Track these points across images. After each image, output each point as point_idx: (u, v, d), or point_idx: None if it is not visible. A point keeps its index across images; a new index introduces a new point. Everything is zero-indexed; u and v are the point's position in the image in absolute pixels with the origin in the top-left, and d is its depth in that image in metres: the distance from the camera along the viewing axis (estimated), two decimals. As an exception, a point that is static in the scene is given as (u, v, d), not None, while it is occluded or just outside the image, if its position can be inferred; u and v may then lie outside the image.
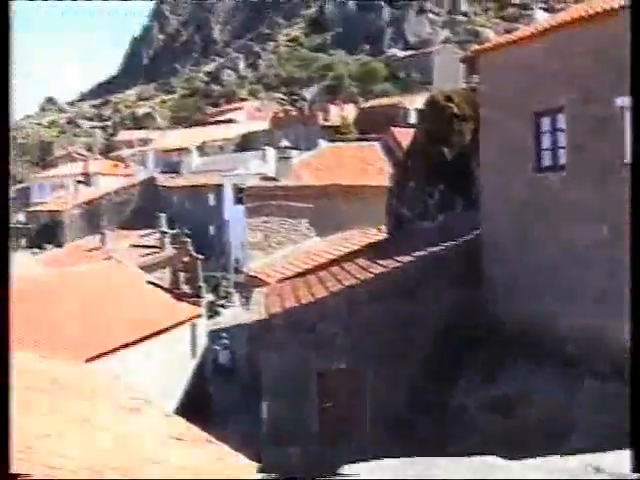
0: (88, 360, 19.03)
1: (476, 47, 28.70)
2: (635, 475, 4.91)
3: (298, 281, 21.78)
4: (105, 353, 23.92)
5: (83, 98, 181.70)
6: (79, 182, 76.99)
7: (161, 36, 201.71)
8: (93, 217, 65.93)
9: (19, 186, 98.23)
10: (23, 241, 67.58)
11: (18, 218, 77.69)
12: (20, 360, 13.21)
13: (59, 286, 29.81)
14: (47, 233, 66.73)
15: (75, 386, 12.31)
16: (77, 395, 11.80)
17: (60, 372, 13.00)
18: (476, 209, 20.54)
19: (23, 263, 48.22)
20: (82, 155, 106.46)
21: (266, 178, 35.03)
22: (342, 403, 19.04)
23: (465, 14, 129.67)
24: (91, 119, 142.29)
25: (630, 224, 6.22)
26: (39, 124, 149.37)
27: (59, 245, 63.37)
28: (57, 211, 68.99)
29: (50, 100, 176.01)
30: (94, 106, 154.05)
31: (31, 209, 78.07)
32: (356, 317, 18.87)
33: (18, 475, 6.05)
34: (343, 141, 48.57)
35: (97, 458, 9.01)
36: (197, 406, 23.99)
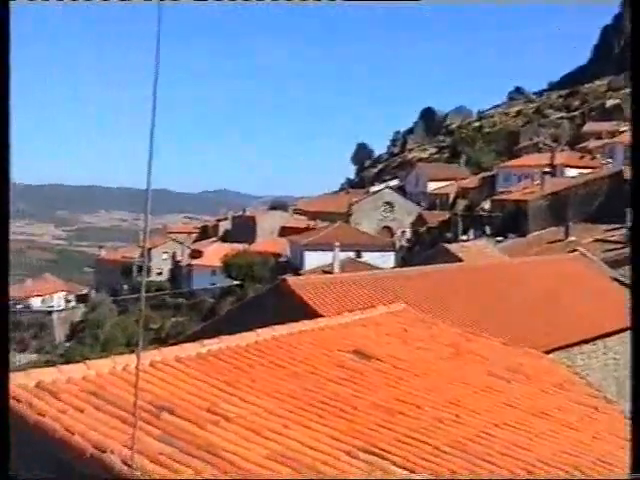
0: (547, 352, 18.96)
1: None
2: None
3: None
4: (564, 347, 23.71)
5: (551, 88, 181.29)
6: (545, 173, 76.93)
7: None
8: (558, 209, 65.38)
9: (485, 174, 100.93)
10: (488, 228, 69.31)
11: (484, 206, 79.90)
12: (481, 345, 13.53)
13: (520, 275, 30.12)
14: (511, 222, 67.68)
15: (535, 377, 12.29)
16: (537, 387, 11.78)
17: (521, 362, 13.07)
18: None
19: (486, 250, 49.53)
20: (548, 146, 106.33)
21: None
22: None
23: None
24: (559, 109, 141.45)
25: (631, 225, 6.24)
26: (506, 114, 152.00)
27: (522, 235, 63.99)
28: (522, 201, 69.51)
29: (518, 90, 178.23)
30: (562, 96, 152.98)
31: (496, 197, 79.65)
32: None
33: (16, 477, 6.17)
34: None
35: (551, 454, 8.92)
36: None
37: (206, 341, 9.87)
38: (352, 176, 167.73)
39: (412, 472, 7.34)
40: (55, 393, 7.20)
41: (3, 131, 5.46)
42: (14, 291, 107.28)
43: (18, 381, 7.19)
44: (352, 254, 69.64)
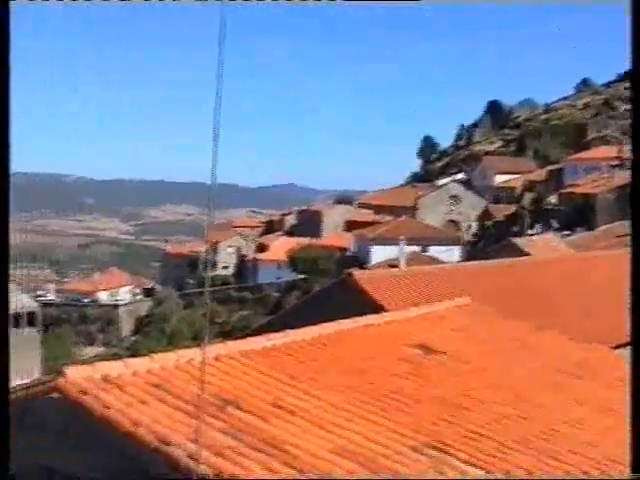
0: (615, 347, 18.63)
1: None
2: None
3: None
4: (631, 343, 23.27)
5: (620, 79, 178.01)
6: (613, 166, 75.51)
7: None
8: (627, 202, 64.11)
9: (553, 167, 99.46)
10: (555, 222, 68.36)
11: (551, 199, 78.76)
12: (548, 340, 13.33)
13: (587, 269, 29.67)
14: (578, 216, 66.65)
15: (603, 373, 12.08)
16: (604, 383, 11.57)
17: (588, 357, 12.86)
18: None
19: (553, 244, 48.90)
20: (616, 138, 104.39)
21: None
22: None
23: None
24: (627, 101, 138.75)
25: (632, 228, 6.34)
26: (573, 106, 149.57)
27: (590, 228, 62.98)
28: (591, 194, 68.39)
29: (585, 82, 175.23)
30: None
31: (564, 191, 78.43)
32: None
33: (14, 476, 6.09)
34: None
35: (622, 453, 8.73)
36: None
37: (271, 335, 9.90)
38: (418, 170, 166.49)
39: (478, 468, 7.25)
40: (121, 386, 7.28)
41: (3, 131, 5.47)
42: (82, 285, 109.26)
43: (85, 374, 7.28)
44: (418, 248, 69.17)
